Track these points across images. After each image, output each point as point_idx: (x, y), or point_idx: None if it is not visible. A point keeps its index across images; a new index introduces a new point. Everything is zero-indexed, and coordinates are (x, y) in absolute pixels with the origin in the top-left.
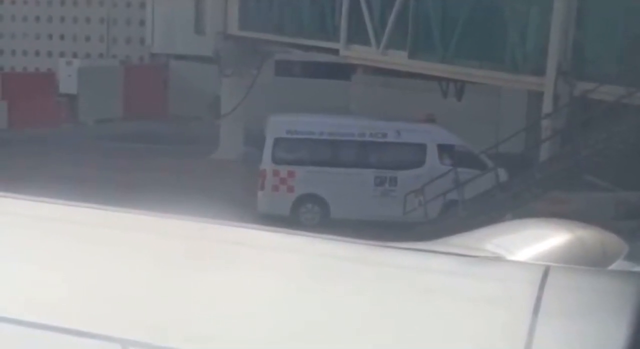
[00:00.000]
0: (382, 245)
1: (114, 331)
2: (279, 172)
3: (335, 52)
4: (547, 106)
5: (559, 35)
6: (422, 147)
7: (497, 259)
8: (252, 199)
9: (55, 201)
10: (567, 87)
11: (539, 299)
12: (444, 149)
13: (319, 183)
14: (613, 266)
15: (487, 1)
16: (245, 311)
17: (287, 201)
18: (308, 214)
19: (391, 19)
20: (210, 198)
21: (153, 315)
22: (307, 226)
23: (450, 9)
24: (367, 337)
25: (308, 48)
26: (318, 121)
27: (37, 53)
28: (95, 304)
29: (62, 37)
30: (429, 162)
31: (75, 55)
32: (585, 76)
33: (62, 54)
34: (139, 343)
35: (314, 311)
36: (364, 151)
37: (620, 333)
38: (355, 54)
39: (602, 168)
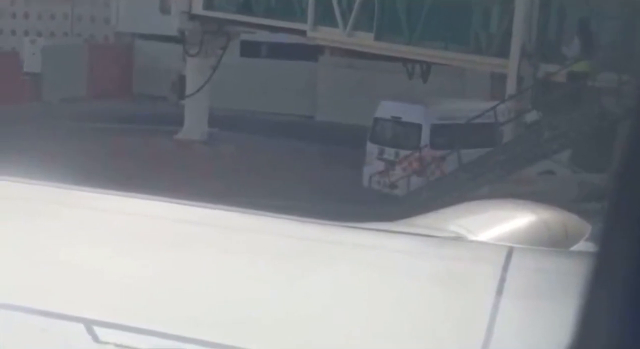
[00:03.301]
0: (347, 226)
1: (76, 311)
2: (437, 158)
3: (303, 33)
4: (510, 88)
5: (523, 17)
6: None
7: (460, 239)
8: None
9: (16, 179)
10: (530, 69)
11: (502, 280)
12: None
13: None
14: (576, 248)
15: None
16: (209, 291)
17: None
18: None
19: (358, 1)
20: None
21: (116, 295)
22: None
23: None
24: (330, 316)
25: (275, 29)
26: (461, 106)
27: (1, 31)
28: (56, 283)
29: (26, 15)
30: None
31: (39, 34)
32: (549, 58)
33: (26, 33)
34: (102, 322)
35: (276, 290)
36: (496, 131)
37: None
38: (322, 35)
39: (566, 150)
